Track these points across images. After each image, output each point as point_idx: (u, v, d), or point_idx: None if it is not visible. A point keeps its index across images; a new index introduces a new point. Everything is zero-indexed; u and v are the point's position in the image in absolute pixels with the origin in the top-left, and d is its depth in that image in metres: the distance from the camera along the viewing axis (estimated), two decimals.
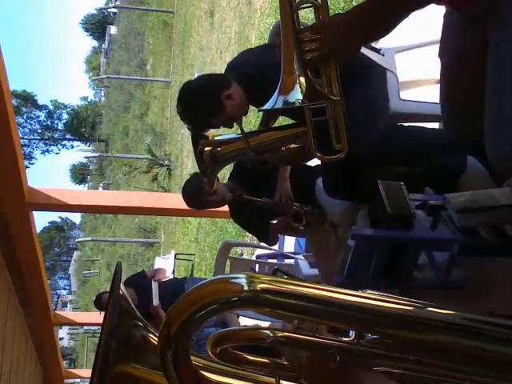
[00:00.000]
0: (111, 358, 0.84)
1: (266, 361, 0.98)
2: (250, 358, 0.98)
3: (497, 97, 1.72)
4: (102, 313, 0.92)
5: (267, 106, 1.74)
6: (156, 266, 5.07)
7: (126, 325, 0.89)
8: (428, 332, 0.86)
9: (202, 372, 0.88)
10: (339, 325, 0.88)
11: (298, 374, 0.94)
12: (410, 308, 0.87)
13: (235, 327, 1.00)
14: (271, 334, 0.90)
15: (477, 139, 1.96)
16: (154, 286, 5.30)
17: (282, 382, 0.93)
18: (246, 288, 0.79)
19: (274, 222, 3.38)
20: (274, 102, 1.71)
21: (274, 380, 0.92)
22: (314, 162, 2.87)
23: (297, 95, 1.65)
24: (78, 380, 14.68)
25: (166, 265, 11.20)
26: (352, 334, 0.90)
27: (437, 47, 2.12)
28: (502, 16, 1.69)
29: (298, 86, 1.64)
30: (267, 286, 0.80)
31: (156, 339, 0.85)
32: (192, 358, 0.85)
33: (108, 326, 0.85)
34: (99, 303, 5.52)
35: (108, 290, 4.06)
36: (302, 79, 1.65)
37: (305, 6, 1.71)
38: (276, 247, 4.12)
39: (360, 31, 1.74)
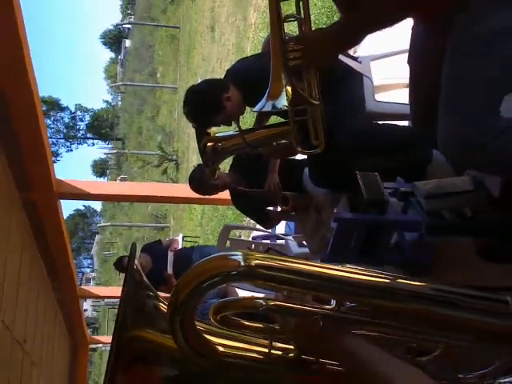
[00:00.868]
0: (128, 324, 0.85)
1: (261, 326, 0.98)
2: (247, 323, 0.98)
3: (444, 99, 1.72)
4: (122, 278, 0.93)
5: (257, 108, 1.76)
6: (169, 261, 5.00)
7: (140, 295, 0.90)
8: (398, 300, 0.86)
9: (205, 335, 0.88)
10: (322, 295, 0.89)
11: (288, 337, 0.94)
12: (383, 280, 0.87)
13: (233, 297, 1.00)
14: (264, 303, 0.90)
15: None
16: (170, 255, 5.24)
17: (274, 343, 0.93)
18: (242, 264, 0.79)
19: (270, 208, 3.39)
20: (263, 105, 1.72)
21: (267, 342, 0.92)
22: (301, 156, 2.88)
23: (283, 101, 1.66)
24: (101, 345, 14.73)
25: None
26: (333, 302, 0.90)
27: (406, 55, 2.12)
28: (455, 28, 1.70)
29: (284, 93, 1.64)
30: (260, 261, 0.81)
31: (165, 307, 0.85)
32: (196, 323, 0.85)
33: (125, 298, 0.85)
34: (118, 266, 5.50)
35: (125, 257, 4.08)
36: (289, 87, 1.65)
37: (290, 19, 1.72)
38: (269, 230, 4.13)
39: (335, 45, 1.77)
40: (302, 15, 1.70)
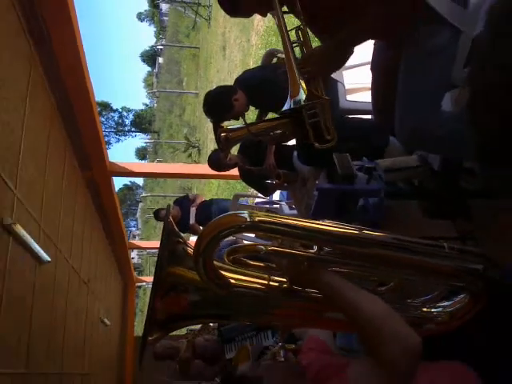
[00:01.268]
0: (164, 264, 0.85)
1: (262, 264, 0.99)
2: (252, 262, 0.99)
3: (400, 97, 1.71)
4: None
5: (285, 107, 1.71)
6: (191, 215, 5.00)
7: (173, 242, 0.90)
8: (364, 246, 0.87)
9: (221, 271, 0.89)
10: (306, 242, 0.89)
11: (282, 273, 0.95)
12: (353, 231, 0.87)
13: (242, 244, 1.01)
14: (264, 248, 0.91)
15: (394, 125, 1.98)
16: (192, 211, 5.19)
17: (272, 277, 0.94)
18: (248, 219, 0.80)
19: (268, 181, 3.39)
20: (289, 104, 1.69)
21: (267, 277, 0.93)
22: (291, 142, 2.86)
23: (302, 96, 1.63)
24: (144, 284, 14.82)
25: None
26: (315, 248, 0.91)
27: (369, 65, 2.10)
28: (407, 44, 1.68)
29: (302, 92, 1.62)
30: (261, 218, 0.81)
31: (192, 251, 0.86)
32: (215, 262, 0.86)
33: (162, 246, 0.86)
34: (157, 216, 5.52)
35: (161, 209, 4.06)
36: (304, 85, 1.63)
37: (295, 44, 1.73)
38: (268, 197, 4.13)
39: (336, 57, 1.77)
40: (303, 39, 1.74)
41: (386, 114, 2.03)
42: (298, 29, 1.74)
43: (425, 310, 1.01)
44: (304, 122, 1.67)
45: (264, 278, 0.93)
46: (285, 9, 1.75)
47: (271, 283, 0.93)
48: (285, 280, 0.94)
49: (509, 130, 0.38)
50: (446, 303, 1.00)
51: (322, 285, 0.88)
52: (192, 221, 5.17)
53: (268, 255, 0.93)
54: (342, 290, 0.83)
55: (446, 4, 1.59)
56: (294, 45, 1.72)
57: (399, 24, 1.66)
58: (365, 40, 1.74)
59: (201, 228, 5.67)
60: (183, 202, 5.26)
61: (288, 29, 1.71)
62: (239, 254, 0.99)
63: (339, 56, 1.77)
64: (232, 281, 0.91)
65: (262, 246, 0.91)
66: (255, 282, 0.94)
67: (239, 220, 0.81)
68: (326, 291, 0.88)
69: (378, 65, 2.02)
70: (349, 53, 1.82)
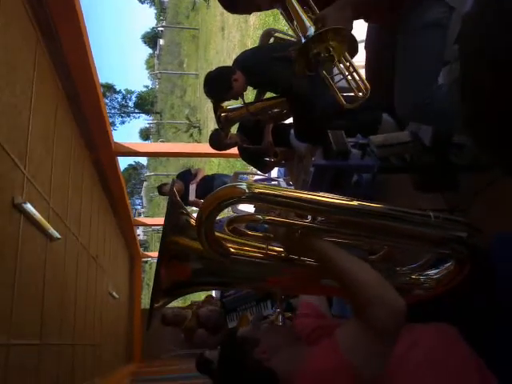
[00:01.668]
0: (169, 234, 0.88)
1: (260, 234, 1.00)
2: (250, 232, 1.00)
3: (399, 73, 1.70)
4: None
5: (300, 45, 1.56)
6: (191, 192, 4.96)
7: (177, 213, 0.92)
8: (357, 216, 0.88)
9: (222, 241, 0.91)
10: (302, 212, 0.91)
11: (278, 241, 0.97)
12: (348, 202, 0.89)
13: (240, 214, 1.02)
14: (261, 218, 0.92)
15: (387, 102, 1.97)
16: (192, 188, 5.10)
17: (270, 246, 0.96)
18: (246, 191, 0.82)
19: (267, 159, 3.39)
20: (301, 42, 1.56)
21: (265, 246, 0.95)
22: (288, 121, 2.86)
23: (311, 31, 1.52)
24: (150, 259, 14.94)
25: None
26: (309, 217, 0.92)
27: (363, 44, 2.09)
28: (402, 24, 1.67)
29: (309, 26, 1.53)
30: (259, 189, 0.83)
31: (194, 221, 0.88)
32: (215, 233, 0.88)
33: (167, 216, 0.88)
34: (160, 191, 5.54)
35: (165, 183, 4.05)
36: (310, 21, 1.54)
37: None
38: (266, 174, 4.14)
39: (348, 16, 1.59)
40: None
41: (378, 91, 2.03)
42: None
43: (413, 277, 1.03)
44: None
45: (262, 248, 0.95)
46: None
47: (269, 252, 0.95)
48: (282, 249, 0.96)
49: (494, 107, 0.40)
50: (434, 271, 1.03)
51: (315, 252, 0.90)
52: (192, 197, 5.16)
53: (265, 225, 0.95)
54: (335, 256, 0.86)
55: None
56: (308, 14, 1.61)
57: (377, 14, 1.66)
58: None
59: (201, 201, 5.68)
60: (186, 176, 5.26)
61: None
62: (238, 224, 1.01)
63: (350, 15, 1.65)
64: (232, 249, 0.93)
65: (259, 216, 0.93)
66: (254, 250, 0.96)
67: (238, 191, 0.83)
68: (319, 258, 0.90)
69: (371, 43, 2.01)
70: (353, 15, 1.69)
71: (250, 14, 1.79)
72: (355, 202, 0.88)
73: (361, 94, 1.57)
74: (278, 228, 0.94)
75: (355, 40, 1.87)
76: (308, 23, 1.56)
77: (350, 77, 1.55)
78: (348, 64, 1.52)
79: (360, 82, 1.55)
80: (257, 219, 0.93)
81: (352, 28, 1.76)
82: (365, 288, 0.79)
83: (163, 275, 0.86)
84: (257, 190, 0.83)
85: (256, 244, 0.96)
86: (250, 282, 1.02)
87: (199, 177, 5.19)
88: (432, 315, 1.05)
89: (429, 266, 1.04)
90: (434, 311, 1.08)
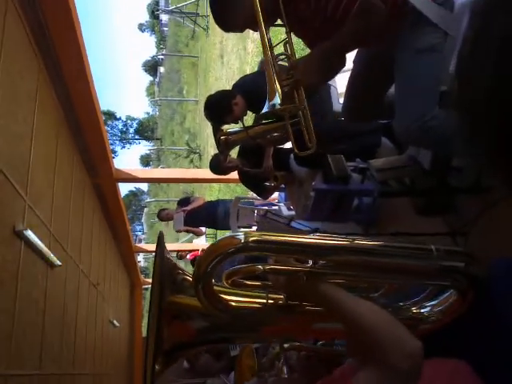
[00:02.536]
0: (165, 294, 0.85)
1: (259, 284, 0.98)
2: (249, 283, 0.98)
3: (397, 98, 1.71)
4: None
5: (263, 111, 1.71)
6: (177, 220, 4.95)
7: (172, 273, 0.90)
8: (355, 255, 0.87)
9: (221, 295, 0.88)
10: (301, 257, 0.89)
11: (279, 290, 0.94)
12: (344, 242, 0.87)
13: (239, 266, 0.99)
14: (261, 268, 0.90)
15: (377, 115, 2.06)
16: (176, 216, 5.11)
17: (270, 295, 0.93)
18: (242, 241, 0.80)
19: (267, 183, 3.40)
20: (267, 106, 1.68)
21: (264, 295, 0.93)
22: (288, 145, 2.88)
23: (277, 100, 1.63)
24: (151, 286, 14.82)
25: None
26: (310, 261, 0.90)
27: None
28: (401, 44, 1.69)
29: (277, 95, 1.63)
30: (255, 238, 0.81)
31: (191, 278, 0.86)
32: (214, 287, 0.86)
33: (159, 277, 0.85)
34: (159, 216, 5.55)
35: (164, 209, 4.05)
36: (280, 90, 1.64)
37: (283, 57, 1.76)
38: (266, 199, 4.14)
39: (317, 68, 1.71)
40: (289, 52, 1.75)
41: (367, 105, 2.05)
42: (285, 42, 1.77)
43: (415, 310, 1.01)
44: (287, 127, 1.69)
45: (262, 297, 0.93)
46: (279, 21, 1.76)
47: (269, 301, 0.92)
48: (280, 296, 0.93)
49: (493, 125, 0.40)
50: (434, 302, 1.01)
51: (319, 296, 0.86)
52: (179, 227, 5.14)
53: (264, 274, 0.92)
54: (340, 299, 0.82)
55: (433, 7, 1.62)
56: (282, 57, 1.75)
57: (377, 34, 1.69)
58: (343, 52, 1.73)
59: (194, 229, 5.65)
60: (184, 203, 5.28)
61: (277, 42, 1.76)
62: (237, 276, 0.98)
63: (322, 67, 1.74)
64: (232, 303, 0.89)
65: (259, 266, 0.91)
66: (253, 301, 0.93)
67: (235, 242, 0.79)
68: (323, 302, 0.87)
69: (360, 58, 2.03)
70: (335, 64, 1.78)
71: (242, 31, 1.84)
72: (355, 242, 0.87)
73: (310, 145, 1.67)
74: (278, 276, 0.91)
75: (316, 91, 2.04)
76: (276, 88, 1.65)
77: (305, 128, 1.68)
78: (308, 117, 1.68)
79: (311, 136, 1.67)
80: (257, 270, 0.91)
81: (320, 80, 1.84)
82: (377, 330, 0.75)
83: (154, 339, 0.83)
84: (252, 239, 0.81)
85: (256, 294, 0.94)
86: (250, 334, 0.99)
87: (193, 205, 5.17)
88: (435, 347, 1.03)
89: (430, 298, 1.03)
90: (438, 343, 1.07)
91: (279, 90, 1.64)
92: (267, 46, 1.69)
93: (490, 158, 0.46)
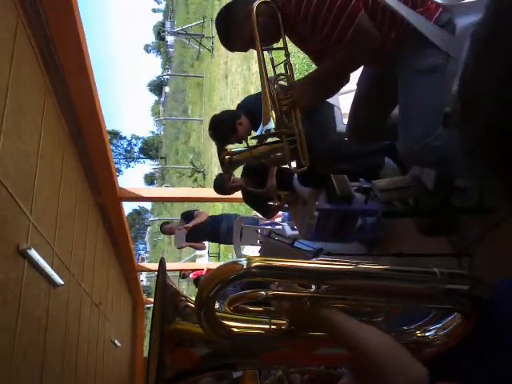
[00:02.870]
0: (167, 322, 0.85)
1: (262, 309, 0.97)
2: (252, 308, 0.98)
3: (401, 118, 1.72)
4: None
5: (257, 133, 1.84)
6: (179, 237, 4.93)
7: (174, 300, 0.90)
8: (359, 280, 0.87)
9: (223, 321, 0.88)
10: (304, 282, 0.88)
11: (282, 315, 0.93)
12: (347, 266, 0.87)
13: (241, 292, 0.99)
14: (264, 293, 0.90)
15: (380, 136, 2.08)
16: (178, 233, 5.05)
17: (273, 321, 0.92)
18: (245, 267, 0.80)
19: (270, 203, 3.39)
20: (261, 130, 1.81)
21: (268, 320, 0.92)
22: (292, 164, 2.88)
23: (271, 125, 1.75)
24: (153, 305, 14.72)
25: None
26: (313, 286, 0.90)
27: None
28: (403, 65, 1.71)
29: (272, 121, 1.75)
30: (258, 263, 0.81)
31: (193, 305, 0.85)
32: (216, 313, 0.85)
33: (161, 304, 0.85)
34: (162, 229, 5.53)
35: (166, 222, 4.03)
36: (274, 116, 1.76)
37: (281, 77, 1.85)
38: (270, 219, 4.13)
39: (312, 91, 1.80)
40: (288, 73, 1.84)
41: (361, 131, 2.07)
42: (285, 63, 1.84)
43: (419, 334, 1.00)
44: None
45: (265, 323, 0.92)
46: (280, 44, 1.84)
47: (272, 327, 0.91)
48: (283, 322, 0.93)
49: (494, 148, 0.40)
50: (438, 325, 1.00)
51: (322, 321, 0.86)
52: (181, 243, 5.12)
53: (267, 299, 0.92)
54: (342, 324, 0.81)
55: (434, 29, 1.64)
56: (281, 77, 1.84)
57: (375, 57, 1.73)
58: (337, 76, 1.80)
59: (196, 244, 5.63)
60: (188, 218, 5.27)
61: (277, 63, 1.85)
62: (239, 302, 0.97)
63: (316, 90, 1.82)
64: (235, 329, 0.89)
65: (262, 292, 0.90)
66: (256, 327, 0.92)
67: (237, 268, 0.80)
68: (326, 327, 0.86)
69: (363, 80, 2.05)
70: (330, 87, 1.87)
71: (245, 51, 1.90)
72: (358, 266, 0.87)
73: (304, 162, 1.77)
74: (281, 301, 0.91)
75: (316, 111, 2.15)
76: (271, 114, 1.76)
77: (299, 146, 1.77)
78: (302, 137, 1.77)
79: (304, 155, 1.77)
80: (259, 295, 0.90)
81: (314, 102, 1.92)
82: (381, 356, 0.75)
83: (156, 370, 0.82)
84: (255, 265, 0.81)
85: (259, 319, 0.93)
86: (252, 360, 0.98)
87: (196, 221, 5.14)
88: (438, 370, 1.02)
89: (434, 322, 1.02)
90: (439, 365, 1.05)
91: (274, 116, 1.72)
92: (264, 76, 1.78)
93: (491, 180, 0.46)
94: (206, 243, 6.77)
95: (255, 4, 1.74)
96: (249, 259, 0.81)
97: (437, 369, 0.99)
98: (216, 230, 5.04)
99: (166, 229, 5.48)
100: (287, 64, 1.83)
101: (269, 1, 1.73)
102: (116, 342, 6.09)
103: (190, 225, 5.08)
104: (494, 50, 0.37)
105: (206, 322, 0.81)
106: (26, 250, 2.46)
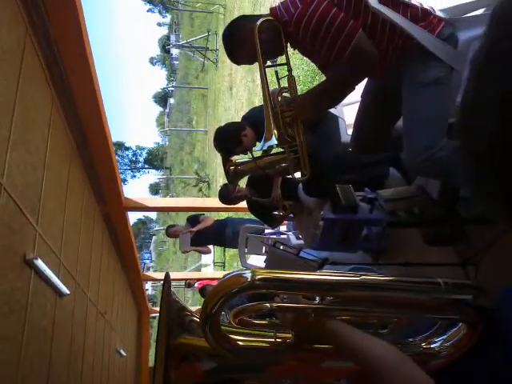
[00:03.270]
0: (173, 336, 0.84)
1: (266, 322, 0.96)
2: (257, 321, 0.96)
3: (405, 129, 1.72)
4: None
5: (258, 148, 2.01)
6: (183, 240, 4.90)
7: (180, 315, 0.89)
8: (362, 291, 0.86)
9: (229, 335, 0.87)
10: (307, 294, 0.88)
11: (287, 328, 0.92)
12: (350, 278, 0.86)
13: (246, 304, 0.98)
14: (269, 306, 0.89)
15: (385, 146, 2.11)
16: (183, 236, 5.02)
17: (278, 334, 0.91)
18: (249, 279, 0.79)
19: (275, 213, 3.39)
20: (262, 146, 1.94)
21: (273, 333, 0.91)
22: (297, 174, 2.88)
23: (273, 141, 1.85)
24: (158, 314, 14.67)
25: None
26: (317, 298, 0.89)
27: None
28: (407, 77, 1.71)
29: (274, 137, 1.84)
30: (262, 276, 0.80)
31: (198, 320, 0.84)
32: (222, 327, 0.85)
33: (168, 318, 0.85)
34: (167, 232, 5.53)
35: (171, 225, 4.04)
36: (276, 132, 1.85)
37: (285, 91, 1.96)
38: (275, 228, 4.12)
39: (313, 106, 1.87)
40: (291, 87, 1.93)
41: (365, 142, 2.08)
42: (288, 77, 1.92)
43: (425, 346, 0.99)
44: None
45: (270, 336, 0.91)
46: (283, 59, 1.91)
47: (277, 340, 0.90)
48: (289, 335, 0.92)
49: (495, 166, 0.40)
50: (444, 336, 0.99)
51: (327, 333, 0.84)
52: (186, 247, 5.09)
53: (272, 311, 0.91)
54: (348, 336, 0.80)
55: (437, 43, 1.64)
56: (284, 90, 1.94)
57: (373, 74, 1.80)
58: (336, 93, 1.85)
59: (201, 248, 5.62)
60: (194, 222, 5.26)
61: (281, 76, 1.94)
62: (245, 315, 0.96)
63: (315, 106, 1.89)
64: (240, 343, 0.86)
65: (267, 304, 0.89)
66: (262, 340, 0.91)
67: (242, 281, 0.78)
68: (331, 339, 0.85)
69: (367, 92, 2.06)
70: (329, 102, 1.95)
71: (251, 64, 1.94)
72: (361, 277, 0.86)
73: (305, 172, 1.88)
74: (286, 313, 0.90)
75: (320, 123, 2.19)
76: (273, 132, 1.85)
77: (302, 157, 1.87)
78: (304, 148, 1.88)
79: (305, 165, 1.87)
80: (264, 307, 0.89)
81: (314, 116, 1.98)
82: (388, 369, 0.72)
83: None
84: (259, 277, 0.80)
85: (264, 333, 0.92)
86: (258, 375, 0.96)
87: (201, 226, 5.12)
88: (444, 381, 1.00)
89: (439, 334, 1.00)
90: (445, 376, 1.04)
91: (276, 134, 1.77)
92: (267, 94, 1.86)
93: (491, 194, 0.47)
94: (211, 247, 6.76)
95: (258, 22, 1.77)
96: (253, 272, 0.81)
97: (443, 380, 0.98)
98: (221, 235, 5.03)
99: (170, 232, 5.47)
100: (290, 78, 1.91)
101: (271, 19, 1.76)
102: (121, 351, 6.06)
103: (195, 229, 5.07)
104: (492, 76, 0.38)
105: (211, 336, 0.81)
106: (32, 260, 2.46)
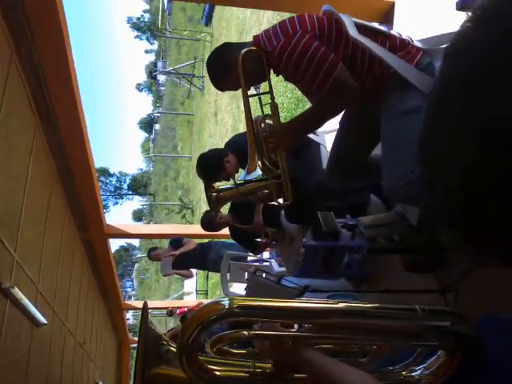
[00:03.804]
0: (150, 365, 0.84)
1: (244, 351, 0.96)
2: (235, 351, 0.96)
3: (383, 158, 1.75)
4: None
5: (241, 177, 2.05)
6: (165, 264, 4.79)
7: (157, 345, 0.88)
8: (339, 318, 0.86)
9: (206, 365, 0.86)
10: (285, 321, 0.87)
11: (265, 356, 0.92)
12: (327, 305, 0.86)
13: (223, 332, 0.97)
14: (246, 333, 0.89)
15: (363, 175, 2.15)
16: (165, 260, 4.93)
17: (257, 364, 0.90)
18: (227, 307, 0.79)
19: (258, 240, 3.39)
20: (244, 176, 2.03)
21: (251, 363, 0.90)
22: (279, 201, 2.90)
23: (258, 172, 1.96)
24: None
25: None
26: (296, 326, 0.89)
27: None
28: (386, 106, 1.76)
29: (258, 169, 1.94)
30: (240, 303, 0.80)
31: (175, 349, 0.84)
32: (199, 356, 0.84)
33: (143, 348, 0.84)
34: (149, 255, 5.44)
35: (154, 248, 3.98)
36: (260, 164, 1.93)
37: (268, 118, 2.00)
38: (257, 255, 4.10)
39: (294, 135, 1.94)
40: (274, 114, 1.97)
41: (340, 170, 2.11)
42: (270, 105, 1.97)
43: (405, 374, 0.99)
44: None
45: (248, 366, 0.90)
46: (266, 88, 1.97)
47: (256, 370, 0.89)
48: (268, 365, 0.91)
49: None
50: (424, 364, 0.99)
51: (303, 363, 0.84)
52: (167, 271, 5.02)
53: (250, 340, 0.90)
54: (324, 366, 0.79)
55: (415, 73, 1.69)
56: (267, 117, 1.99)
57: (352, 103, 1.83)
58: (316, 123, 1.92)
59: (183, 272, 5.55)
60: (177, 244, 5.19)
61: (265, 103, 1.98)
62: (222, 344, 0.94)
63: (296, 135, 1.97)
64: (217, 373, 0.84)
65: (244, 332, 0.89)
66: (240, 370, 0.90)
67: (219, 308, 0.77)
68: (307, 369, 0.85)
69: (345, 120, 2.10)
70: (309, 131, 2.12)
71: (236, 90, 1.98)
72: (341, 305, 0.86)
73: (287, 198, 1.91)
74: (264, 342, 0.89)
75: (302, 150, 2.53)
76: (257, 164, 1.95)
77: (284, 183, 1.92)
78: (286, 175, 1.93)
79: (288, 191, 1.91)
80: (242, 336, 0.89)
81: (295, 144, 2.04)
82: None
83: None
84: (237, 305, 0.80)
85: (242, 362, 0.91)
86: None
87: (183, 250, 5.05)
88: None
89: (420, 361, 1.00)
90: None
91: (260, 165, 1.82)
92: (250, 124, 1.92)
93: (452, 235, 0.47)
94: (194, 271, 6.65)
95: (242, 52, 1.81)
96: (231, 299, 0.80)
97: None
98: (204, 258, 4.98)
99: (152, 255, 5.37)
100: (272, 106, 1.96)
101: (254, 49, 1.80)
102: (100, 383, 5.89)
103: (178, 252, 4.99)
104: (447, 114, 0.39)
105: (187, 367, 0.79)
106: (8, 289, 2.40)
